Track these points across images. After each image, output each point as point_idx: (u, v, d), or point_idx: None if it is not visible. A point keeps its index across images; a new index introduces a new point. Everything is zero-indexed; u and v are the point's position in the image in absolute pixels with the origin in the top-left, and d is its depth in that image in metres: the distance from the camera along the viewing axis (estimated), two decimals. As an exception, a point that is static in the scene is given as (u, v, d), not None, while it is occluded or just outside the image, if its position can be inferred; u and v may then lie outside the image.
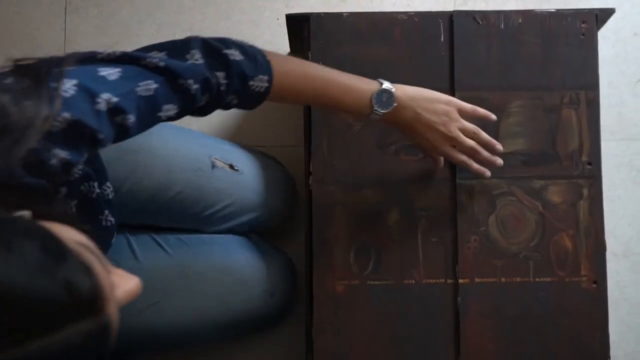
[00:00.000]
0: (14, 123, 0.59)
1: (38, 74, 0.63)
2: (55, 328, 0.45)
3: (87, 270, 0.48)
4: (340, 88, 0.88)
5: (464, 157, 0.97)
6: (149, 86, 0.72)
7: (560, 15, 1.05)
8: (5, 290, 0.44)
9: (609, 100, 1.30)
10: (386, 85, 0.89)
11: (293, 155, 1.23)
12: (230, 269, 1.09)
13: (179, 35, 0.80)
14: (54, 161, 0.63)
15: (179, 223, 1.10)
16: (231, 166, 1.10)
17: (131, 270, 0.55)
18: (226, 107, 0.83)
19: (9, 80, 0.62)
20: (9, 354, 0.44)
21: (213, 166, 1.09)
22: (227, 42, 0.80)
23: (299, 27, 1.07)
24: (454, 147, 0.96)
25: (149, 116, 0.74)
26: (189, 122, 1.18)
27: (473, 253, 1.01)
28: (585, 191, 1.03)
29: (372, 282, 1.01)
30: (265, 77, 0.82)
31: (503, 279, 1.01)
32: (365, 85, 0.89)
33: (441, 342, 1.01)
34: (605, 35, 1.28)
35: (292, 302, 1.18)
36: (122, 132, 0.71)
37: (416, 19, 1.05)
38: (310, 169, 1.04)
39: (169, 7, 1.32)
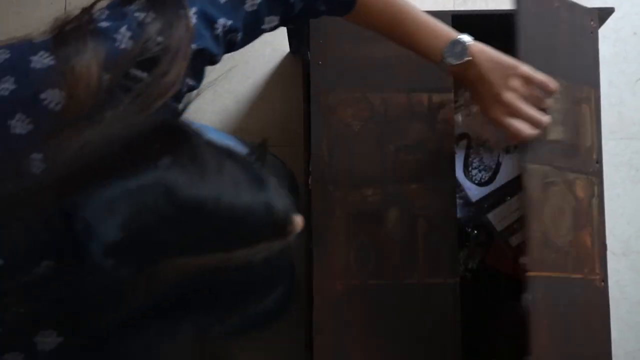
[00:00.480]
0: (161, 55, 0.62)
1: (169, 3, 0.65)
2: (255, 241, 0.51)
3: (281, 197, 0.54)
4: (417, 24, 0.86)
5: (515, 124, 0.89)
6: (254, 1, 0.74)
7: (576, 8, 1.01)
8: (217, 204, 0.49)
9: (609, 100, 1.30)
10: (464, 36, 0.86)
11: (292, 155, 1.23)
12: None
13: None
14: (184, 89, 0.68)
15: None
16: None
17: None
18: (315, 14, 0.84)
19: (141, 13, 0.64)
20: (216, 259, 0.50)
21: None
22: None
23: (299, 26, 1.07)
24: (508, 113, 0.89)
25: (254, 30, 0.77)
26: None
27: (534, 245, 0.93)
28: (596, 189, 1.00)
29: (372, 282, 1.01)
30: None
31: (564, 274, 0.95)
32: (441, 31, 0.86)
33: (441, 342, 1.01)
34: (606, 35, 1.28)
35: (291, 294, 1.17)
36: (229, 48, 0.75)
37: (416, 19, 1.05)
38: (310, 169, 1.04)
39: (168, 7, 1.32)
